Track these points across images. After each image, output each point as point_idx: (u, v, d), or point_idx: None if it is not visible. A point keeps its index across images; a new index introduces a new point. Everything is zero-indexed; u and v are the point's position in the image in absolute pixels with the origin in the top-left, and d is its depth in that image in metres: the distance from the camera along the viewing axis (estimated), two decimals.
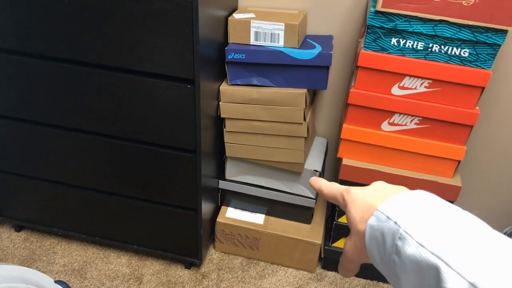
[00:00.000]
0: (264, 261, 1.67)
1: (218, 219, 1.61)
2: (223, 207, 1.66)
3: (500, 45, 1.14)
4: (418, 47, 1.19)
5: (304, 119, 1.35)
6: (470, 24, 1.11)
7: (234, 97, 1.35)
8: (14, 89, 1.31)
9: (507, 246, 0.32)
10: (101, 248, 1.67)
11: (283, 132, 1.38)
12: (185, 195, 1.41)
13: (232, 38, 1.31)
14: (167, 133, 1.29)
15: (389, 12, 1.14)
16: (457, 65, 1.19)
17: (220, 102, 1.37)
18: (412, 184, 1.38)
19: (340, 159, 1.45)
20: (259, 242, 1.62)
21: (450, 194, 1.38)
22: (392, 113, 1.31)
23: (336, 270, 1.64)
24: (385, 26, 1.17)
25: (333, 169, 1.73)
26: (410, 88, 1.26)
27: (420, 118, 1.30)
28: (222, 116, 1.39)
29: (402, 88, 1.26)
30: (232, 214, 1.63)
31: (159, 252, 1.59)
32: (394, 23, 1.16)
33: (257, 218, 1.62)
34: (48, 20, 1.15)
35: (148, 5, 1.07)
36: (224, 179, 1.58)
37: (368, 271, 1.59)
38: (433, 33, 1.15)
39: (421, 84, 1.24)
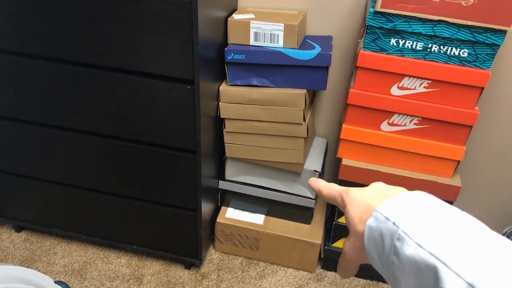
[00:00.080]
0: (264, 261, 1.67)
1: (218, 220, 1.61)
2: (223, 208, 1.66)
3: (499, 45, 1.14)
4: (417, 48, 1.19)
5: (304, 120, 1.35)
6: (469, 24, 1.11)
7: (233, 98, 1.35)
8: (14, 89, 1.31)
9: (505, 247, 0.32)
10: (101, 249, 1.68)
11: (282, 132, 1.39)
12: (185, 195, 1.41)
13: (231, 39, 1.32)
14: (167, 133, 1.29)
15: (388, 13, 1.14)
16: (456, 65, 1.20)
17: (219, 103, 1.37)
18: (411, 184, 1.38)
19: (339, 159, 1.45)
20: (259, 242, 1.62)
21: (449, 194, 1.38)
22: (391, 113, 1.31)
23: (336, 270, 1.65)
24: (384, 26, 1.17)
25: (332, 169, 1.74)
26: (410, 89, 1.26)
27: (420, 119, 1.30)
28: (221, 116, 1.39)
29: (402, 88, 1.26)
30: (232, 214, 1.63)
31: (159, 252, 1.59)
32: (393, 24, 1.16)
33: (257, 219, 1.62)
34: (48, 21, 1.16)
35: (148, 6, 1.08)
36: (224, 180, 1.58)
37: (367, 271, 1.59)
38: (432, 34, 1.15)
39: (421, 84, 1.24)
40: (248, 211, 1.65)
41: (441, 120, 1.28)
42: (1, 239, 1.69)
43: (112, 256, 1.65)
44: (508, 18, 1.08)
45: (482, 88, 1.22)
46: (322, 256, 1.63)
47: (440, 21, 1.13)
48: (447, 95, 1.24)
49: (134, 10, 1.09)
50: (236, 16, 1.31)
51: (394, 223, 0.37)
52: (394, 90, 1.27)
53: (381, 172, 1.38)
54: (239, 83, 1.35)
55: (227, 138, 1.44)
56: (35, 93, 1.30)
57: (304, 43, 1.34)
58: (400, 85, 1.26)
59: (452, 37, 1.15)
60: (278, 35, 1.28)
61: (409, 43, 1.19)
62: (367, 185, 0.46)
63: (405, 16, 1.14)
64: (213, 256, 1.68)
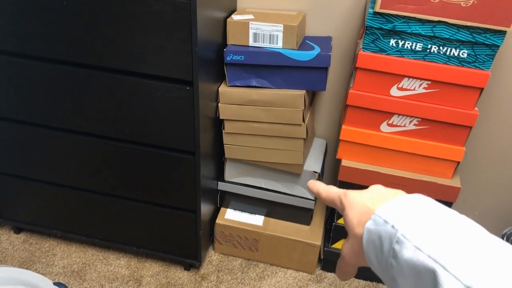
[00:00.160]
0: (264, 263, 1.67)
1: (218, 221, 1.61)
2: (222, 209, 1.66)
3: (498, 46, 1.14)
4: (417, 48, 1.19)
5: (303, 120, 1.35)
6: (469, 25, 1.11)
7: (233, 99, 1.35)
8: (13, 90, 1.31)
9: (504, 250, 0.32)
10: (101, 250, 1.67)
11: (282, 133, 1.38)
12: (184, 196, 1.41)
13: (230, 40, 1.31)
14: (166, 134, 1.29)
15: (388, 13, 1.14)
16: (456, 66, 1.19)
17: (219, 104, 1.37)
18: (411, 185, 1.38)
19: (339, 160, 1.45)
20: (258, 244, 1.62)
21: (449, 195, 1.38)
22: (391, 114, 1.31)
23: (335, 271, 1.64)
24: (384, 27, 1.17)
25: (332, 170, 1.73)
26: (409, 89, 1.26)
27: (419, 119, 1.30)
28: (221, 117, 1.39)
29: (401, 89, 1.26)
30: (231, 215, 1.63)
31: (158, 253, 1.59)
32: (393, 24, 1.16)
33: (257, 220, 1.62)
34: (47, 22, 1.15)
35: (147, 7, 1.07)
36: (223, 181, 1.58)
37: (367, 273, 1.59)
38: (432, 34, 1.15)
39: (420, 85, 1.24)
40: (248, 212, 1.65)
41: (441, 121, 1.28)
42: (0, 241, 1.69)
43: (112, 257, 1.65)
44: (508, 18, 1.08)
45: (482, 89, 1.22)
46: (322, 257, 1.62)
47: (439, 22, 1.13)
48: (447, 96, 1.24)
49: (133, 11, 1.09)
50: (235, 17, 1.31)
51: (393, 226, 0.37)
52: (394, 91, 1.27)
53: (381, 173, 1.38)
54: (238, 84, 1.35)
55: (226, 139, 1.44)
56: (35, 94, 1.30)
57: (304, 44, 1.34)
58: (400, 86, 1.26)
59: (451, 37, 1.15)
60: (277, 36, 1.28)
61: (408, 43, 1.19)
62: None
63: (404, 17, 1.14)
64: (212, 257, 1.68)
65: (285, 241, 1.58)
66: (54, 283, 1.04)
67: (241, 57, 1.29)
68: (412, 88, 1.25)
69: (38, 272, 1.56)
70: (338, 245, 1.59)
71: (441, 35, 1.15)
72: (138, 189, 1.43)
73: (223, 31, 1.32)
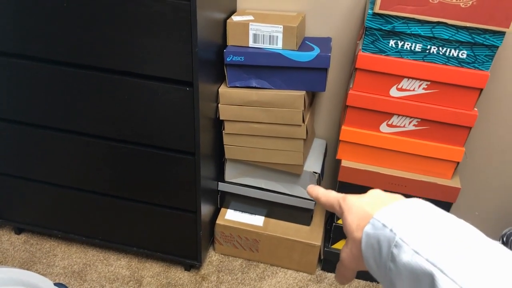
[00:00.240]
0: (264, 263, 1.67)
1: (218, 221, 1.61)
2: (222, 209, 1.66)
3: (497, 47, 1.14)
4: (416, 49, 1.19)
5: (303, 121, 1.36)
6: (468, 25, 1.11)
7: (233, 99, 1.35)
8: (13, 91, 1.31)
9: (502, 254, 0.33)
10: (101, 251, 1.68)
11: (282, 134, 1.39)
12: (184, 197, 1.41)
13: (230, 41, 1.32)
14: (166, 135, 1.29)
15: (387, 14, 1.14)
16: (455, 67, 1.20)
17: (219, 104, 1.37)
18: (411, 185, 1.38)
19: (339, 161, 1.45)
20: (258, 244, 1.62)
21: (449, 196, 1.38)
22: (390, 114, 1.31)
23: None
24: (383, 28, 1.17)
25: (332, 171, 1.74)
26: (409, 90, 1.26)
27: (419, 120, 1.30)
28: (221, 118, 1.39)
29: (401, 90, 1.26)
30: (231, 216, 1.63)
31: (158, 254, 1.59)
32: (392, 25, 1.16)
33: (257, 220, 1.62)
34: (47, 23, 1.16)
35: (147, 8, 1.08)
36: (224, 181, 1.58)
37: (367, 273, 1.59)
38: (431, 35, 1.15)
39: (419, 85, 1.25)
40: (248, 212, 1.65)
41: (440, 121, 1.28)
42: (1, 241, 1.69)
43: (112, 258, 1.65)
44: (507, 19, 1.08)
45: (481, 89, 1.22)
46: (322, 257, 1.63)
47: (438, 23, 1.13)
48: (446, 97, 1.24)
49: (133, 12, 1.09)
50: (235, 18, 1.31)
51: (391, 230, 0.37)
52: (393, 92, 1.27)
53: (381, 173, 1.38)
54: (238, 85, 1.35)
55: (226, 139, 1.44)
56: (35, 95, 1.30)
57: (303, 45, 1.34)
58: (399, 86, 1.26)
59: (450, 38, 1.15)
60: (277, 36, 1.28)
61: (408, 44, 1.19)
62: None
63: (403, 18, 1.14)
64: (213, 257, 1.68)
65: (285, 241, 1.58)
66: (55, 284, 1.04)
67: (241, 58, 1.30)
68: (411, 88, 1.25)
69: (39, 273, 1.56)
70: (338, 245, 1.59)
71: (440, 36, 1.15)
72: (139, 190, 1.44)
73: (223, 32, 1.32)
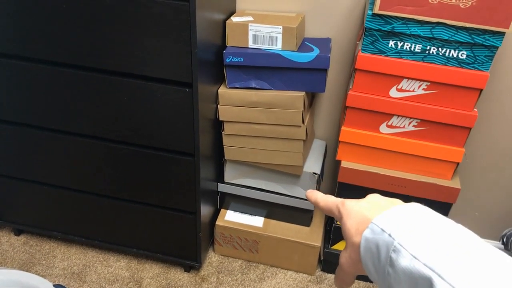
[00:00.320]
0: (264, 264, 1.67)
1: (218, 222, 1.61)
2: (222, 210, 1.66)
3: (497, 47, 1.14)
4: (416, 50, 1.19)
5: (303, 122, 1.35)
6: (467, 26, 1.11)
7: (232, 100, 1.35)
8: (13, 93, 1.31)
9: (500, 259, 0.33)
10: (101, 252, 1.67)
11: (281, 135, 1.39)
12: (184, 198, 1.41)
13: (230, 41, 1.32)
14: (166, 136, 1.29)
15: (387, 15, 1.14)
16: (455, 67, 1.20)
17: (218, 105, 1.37)
18: (411, 186, 1.38)
19: (339, 162, 1.45)
20: (258, 245, 1.62)
21: (449, 196, 1.38)
22: (390, 115, 1.31)
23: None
24: (383, 28, 1.17)
25: (332, 172, 1.73)
26: (408, 91, 1.26)
27: (418, 121, 1.30)
28: (220, 119, 1.39)
29: (400, 90, 1.26)
30: (231, 217, 1.63)
31: (158, 255, 1.59)
32: (392, 26, 1.16)
33: (257, 221, 1.62)
34: (47, 24, 1.16)
35: (146, 9, 1.08)
36: (223, 182, 1.58)
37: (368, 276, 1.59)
38: (431, 36, 1.15)
39: (419, 86, 1.24)
40: (248, 213, 1.65)
41: (440, 122, 1.28)
42: (1, 243, 1.69)
43: (112, 259, 1.65)
44: (506, 19, 1.08)
45: (481, 90, 1.22)
46: (322, 258, 1.62)
47: (438, 23, 1.13)
48: (446, 97, 1.24)
49: (133, 13, 1.09)
50: (234, 19, 1.31)
51: (390, 235, 0.37)
52: (393, 92, 1.27)
53: (380, 174, 1.38)
54: (237, 86, 1.35)
55: (226, 140, 1.44)
56: (35, 96, 1.30)
57: (303, 46, 1.34)
58: (399, 87, 1.26)
59: (450, 39, 1.15)
60: (276, 37, 1.28)
61: (407, 45, 1.19)
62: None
63: (403, 18, 1.14)
64: (212, 258, 1.68)
65: (285, 242, 1.58)
66: (54, 285, 1.04)
67: (240, 59, 1.29)
68: (411, 89, 1.25)
69: (38, 274, 1.56)
70: (338, 246, 1.59)
71: (440, 36, 1.15)
72: (138, 191, 1.43)
73: (222, 33, 1.32)
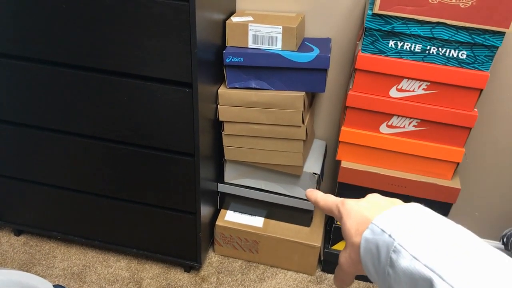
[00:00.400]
0: (264, 264, 1.67)
1: (218, 222, 1.61)
2: (222, 210, 1.66)
3: (497, 47, 1.14)
4: (416, 50, 1.19)
5: (303, 122, 1.35)
6: (468, 26, 1.11)
7: (232, 100, 1.35)
8: (13, 93, 1.31)
9: (500, 260, 0.33)
10: (101, 252, 1.67)
11: (281, 135, 1.38)
12: (184, 198, 1.41)
13: (230, 42, 1.32)
14: (166, 136, 1.29)
15: (387, 15, 1.14)
16: (455, 67, 1.20)
17: (218, 105, 1.37)
18: (411, 186, 1.38)
19: (339, 162, 1.45)
20: (258, 245, 1.62)
21: (449, 196, 1.38)
22: (390, 115, 1.31)
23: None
24: (383, 28, 1.17)
25: (332, 172, 1.73)
26: (408, 91, 1.26)
27: (419, 121, 1.30)
28: (220, 119, 1.39)
29: (400, 90, 1.26)
30: (231, 217, 1.63)
31: (158, 255, 1.59)
32: (392, 26, 1.16)
33: (257, 221, 1.62)
34: (46, 25, 1.16)
35: (146, 9, 1.08)
36: (223, 182, 1.58)
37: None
38: (431, 35, 1.15)
39: (419, 86, 1.24)
40: (248, 214, 1.65)
41: (440, 122, 1.28)
42: (0, 243, 1.69)
43: (112, 259, 1.65)
44: (507, 19, 1.08)
45: (481, 90, 1.22)
46: (322, 258, 1.62)
47: (438, 23, 1.13)
48: (446, 97, 1.24)
49: (132, 13, 1.09)
50: (234, 19, 1.31)
51: (390, 236, 0.37)
52: (393, 92, 1.27)
53: (381, 174, 1.38)
54: (237, 86, 1.35)
55: (226, 141, 1.44)
56: (34, 96, 1.30)
57: (303, 46, 1.34)
58: (399, 87, 1.26)
59: (450, 39, 1.15)
60: (276, 37, 1.28)
61: (407, 45, 1.19)
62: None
63: (403, 18, 1.14)
64: (212, 259, 1.68)
65: (285, 242, 1.58)
66: (54, 286, 1.04)
67: (240, 59, 1.29)
68: (411, 89, 1.25)
69: (38, 275, 1.56)
70: (338, 246, 1.59)
71: (440, 36, 1.15)
72: (138, 191, 1.43)
73: (222, 33, 1.32)
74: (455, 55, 1.18)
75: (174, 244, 1.54)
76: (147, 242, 1.57)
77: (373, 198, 0.45)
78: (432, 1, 1.09)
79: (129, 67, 1.18)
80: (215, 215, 1.64)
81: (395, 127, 1.33)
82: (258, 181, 1.55)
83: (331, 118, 1.63)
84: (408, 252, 0.35)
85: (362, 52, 1.23)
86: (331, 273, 1.65)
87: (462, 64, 1.19)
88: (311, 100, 1.53)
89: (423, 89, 1.24)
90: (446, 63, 1.20)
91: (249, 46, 1.31)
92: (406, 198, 1.39)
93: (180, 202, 1.42)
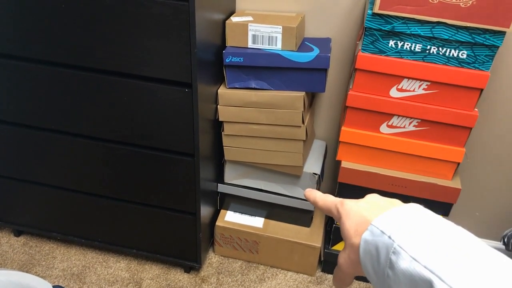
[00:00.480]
0: (264, 265, 1.66)
1: (217, 223, 1.61)
2: (222, 211, 1.66)
3: (498, 47, 1.14)
4: (416, 49, 1.19)
5: (303, 122, 1.35)
6: (468, 25, 1.11)
7: (232, 101, 1.35)
8: (12, 93, 1.31)
9: (500, 262, 0.33)
10: (100, 253, 1.67)
11: (281, 135, 1.38)
12: (184, 199, 1.41)
13: (229, 41, 1.31)
14: (166, 137, 1.28)
15: (387, 14, 1.14)
16: (455, 67, 1.19)
17: (218, 106, 1.37)
18: (411, 186, 1.37)
19: (339, 162, 1.44)
20: (258, 246, 1.61)
21: (449, 196, 1.37)
22: (390, 115, 1.30)
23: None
24: (383, 28, 1.16)
25: (332, 172, 1.73)
26: (409, 90, 1.25)
27: (419, 120, 1.29)
28: (220, 119, 1.39)
29: (401, 90, 1.26)
30: (231, 217, 1.63)
31: (158, 256, 1.59)
32: (392, 25, 1.16)
33: (257, 222, 1.62)
34: (46, 25, 1.15)
35: (146, 9, 1.07)
36: (223, 183, 1.58)
37: None
38: (431, 35, 1.15)
39: (420, 86, 1.24)
40: (248, 214, 1.64)
41: (441, 122, 1.28)
42: (0, 244, 1.69)
43: (111, 260, 1.65)
44: (507, 19, 1.08)
45: (482, 90, 1.21)
46: (322, 259, 1.62)
47: (438, 23, 1.13)
48: (446, 97, 1.24)
49: (132, 13, 1.09)
50: (234, 19, 1.31)
51: (389, 237, 0.37)
52: (393, 92, 1.27)
53: (381, 174, 1.38)
54: (237, 86, 1.35)
55: (225, 141, 1.44)
56: (34, 97, 1.30)
57: (303, 46, 1.34)
58: (399, 87, 1.25)
59: (450, 38, 1.15)
60: (276, 37, 1.27)
61: (407, 45, 1.19)
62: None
63: (403, 18, 1.14)
64: (212, 259, 1.68)
65: (285, 243, 1.57)
66: (54, 286, 1.04)
67: (240, 59, 1.29)
68: (411, 89, 1.25)
69: (38, 275, 1.56)
70: (338, 247, 1.58)
71: (440, 36, 1.15)
72: (138, 192, 1.43)
73: (222, 33, 1.32)
74: (455, 55, 1.18)
75: (174, 244, 1.54)
76: (147, 242, 1.56)
77: (372, 198, 0.45)
78: (432, 0, 1.09)
79: (129, 67, 1.18)
80: (215, 216, 1.64)
81: (396, 127, 1.32)
82: (258, 182, 1.55)
83: (331, 118, 1.62)
84: (408, 254, 0.35)
85: (362, 52, 1.23)
86: (331, 274, 1.65)
87: (463, 64, 1.19)
88: (311, 100, 1.53)
89: (424, 89, 1.24)
90: (447, 63, 1.19)
91: (249, 46, 1.31)
92: (407, 198, 1.39)
93: (180, 203, 1.42)
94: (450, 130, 1.29)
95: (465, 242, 0.35)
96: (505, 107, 1.45)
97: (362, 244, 0.40)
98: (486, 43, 1.13)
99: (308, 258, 1.59)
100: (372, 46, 1.21)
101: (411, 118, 1.29)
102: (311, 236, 1.58)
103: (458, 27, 1.12)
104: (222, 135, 1.42)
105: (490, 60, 1.16)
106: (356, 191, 1.42)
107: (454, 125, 1.28)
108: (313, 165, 1.51)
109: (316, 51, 1.28)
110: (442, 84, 1.22)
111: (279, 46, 1.29)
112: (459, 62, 1.18)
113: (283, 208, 1.58)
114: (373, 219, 0.40)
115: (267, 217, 1.63)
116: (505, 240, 1.45)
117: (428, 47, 1.18)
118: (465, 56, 1.17)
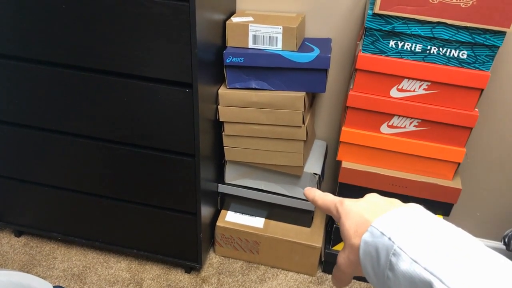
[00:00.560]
0: (264, 265, 1.66)
1: (218, 223, 1.61)
2: (222, 211, 1.66)
3: (498, 47, 1.14)
4: (416, 49, 1.19)
5: (303, 122, 1.35)
6: (468, 26, 1.11)
7: (232, 101, 1.35)
8: (13, 94, 1.31)
9: (500, 263, 0.33)
10: (101, 253, 1.67)
11: (282, 135, 1.38)
12: (184, 199, 1.41)
13: (230, 42, 1.31)
14: (166, 137, 1.28)
15: (387, 15, 1.14)
16: (456, 67, 1.19)
17: (218, 106, 1.37)
18: (411, 186, 1.37)
19: (339, 162, 1.44)
20: (259, 246, 1.61)
21: (450, 196, 1.37)
22: (391, 115, 1.30)
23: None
24: (383, 28, 1.16)
25: (332, 172, 1.73)
26: (409, 91, 1.25)
27: (419, 121, 1.29)
28: (221, 119, 1.39)
29: (401, 90, 1.26)
30: (232, 218, 1.63)
31: (159, 256, 1.59)
32: (392, 26, 1.16)
33: (257, 222, 1.62)
34: (46, 25, 1.15)
35: (146, 10, 1.07)
36: (224, 183, 1.58)
37: None
38: (431, 35, 1.15)
39: (420, 86, 1.24)
40: (248, 214, 1.64)
41: (441, 122, 1.28)
42: (1, 244, 1.69)
43: (112, 260, 1.65)
44: (507, 19, 1.08)
45: (482, 90, 1.21)
46: (323, 259, 1.62)
47: (439, 23, 1.13)
48: (447, 97, 1.24)
49: (132, 13, 1.09)
50: (234, 19, 1.31)
51: (389, 239, 0.37)
52: (394, 92, 1.27)
53: (381, 174, 1.38)
54: (238, 86, 1.35)
55: (226, 141, 1.44)
56: (34, 97, 1.30)
57: (303, 46, 1.34)
58: (400, 87, 1.25)
59: (451, 38, 1.15)
60: (276, 37, 1.28)
61: (408, 45, 1.19)
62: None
63: (403, 18, 1.14)
64: (213, 260, 1.68)
65: (285, 243, 1.57)
66: (54, 287, 1.04)
67: (240, 59, 1.29)
68: (412, 89, 1.25)
69: (39, 276, 1.56)
70: (339, 247, 1.58)
71: (440, 36, 1.15)
72: (138, 192, 1.43)
73: (222, 33, 1.32)
74: (455, 55, 1.18)
75: (175, 245, 1.54)
76: (147, 243, 1.56)
77: (372, 198, 0.44)
78: (433, 1, 1.09)
79: (129, 67, 1.18)
80: (215, 216, 1.64)
81: (396, 127, 1.32)
82: (258, 182, 1.55)
83: (331, 118, 1.62)
84: (408, 255, 0.35)
85: (362, 52, 1.23)
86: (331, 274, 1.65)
87: (463, 64, 1.19)
88: (312, 100, 1.53)
89: (424, 89, 1.24)
90: (447, 63, 1.19)
91: (249, 47, 1.31)
92: (407, 199, 1.39)
93: (181, 203, 1.42)
94: (451, 130, 1.29)
95: (465, 243, 0.35)
96: (506, 107, 1.45)
97: (362, 245, 0.40)
98: (487, 43, 1.13)
99: (309, 259, 1.59)
100: (373, 46, 1.21)
101: (411, 118, 1.29)
102: (312, 236, 1.58)
103: (458, 27, 1.12)
104: (223, 135, 1.42)
105: (491, 60, 1.16)
106: (356, 191, 1.42)
107: (454, 125, 1.28)
108: (313, 165, 1.51)
109: (316, 52, 1.28)
110: (442, 84, 1.22)
111: (279, 46, 1.29)
112: (460, 62, 1.18)
113: (284, 208, 1.58)
114: (373, 220, 0.40)
115: (267, 217, 1.63)
116: (506, 240, 1.45)
117: (429, 47, 1.18)
118: (465, 56, 1.17)
